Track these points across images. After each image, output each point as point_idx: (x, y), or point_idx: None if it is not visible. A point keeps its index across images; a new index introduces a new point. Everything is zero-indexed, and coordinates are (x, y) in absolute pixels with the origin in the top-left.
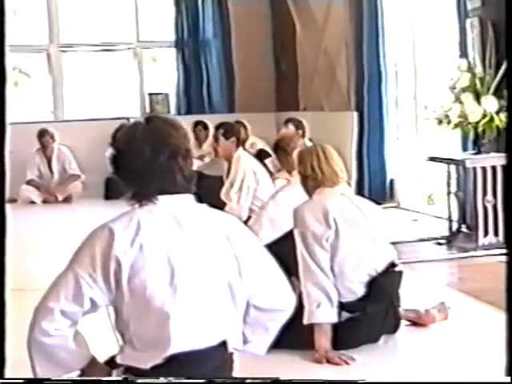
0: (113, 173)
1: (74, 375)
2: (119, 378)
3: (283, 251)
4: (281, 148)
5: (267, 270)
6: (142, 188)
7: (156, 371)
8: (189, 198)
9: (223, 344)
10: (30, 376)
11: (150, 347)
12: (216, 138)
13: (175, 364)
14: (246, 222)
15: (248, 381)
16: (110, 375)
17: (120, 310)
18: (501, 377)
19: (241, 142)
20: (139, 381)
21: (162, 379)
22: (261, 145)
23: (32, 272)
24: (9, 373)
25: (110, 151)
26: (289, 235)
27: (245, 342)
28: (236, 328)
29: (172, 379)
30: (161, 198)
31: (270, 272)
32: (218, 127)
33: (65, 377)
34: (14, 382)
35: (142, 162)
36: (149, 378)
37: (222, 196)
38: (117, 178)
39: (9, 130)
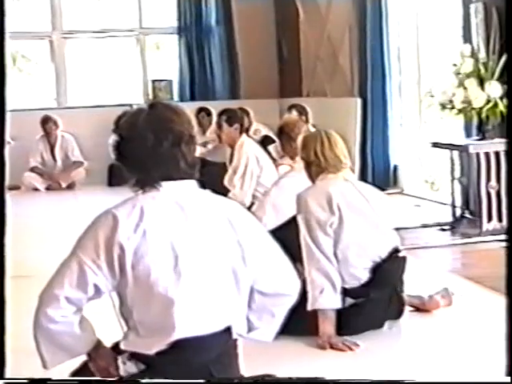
0: (116, 159)
1: (81, 359)
2: (122, 378)
3: (287, 237)
4: (284, 133)
5: (271, 255)
6: (145, 174)
7: (160, 357)
8: (192, 184)
9: (227, 330)
10: (30, 376)
11: (154, 333)
12: (219, 125)
13: (179, 349)
14: (249, 208)
15: (237, 381)
16: (116, 359)
17: (124, 296)
18: (501, 377)
19: (244, 129)
20: (143, 381)
21: (163, 380)
22: (264, 131)
23: (36, 259)
24: (9, 373)
25: (113, 138)
26: (292, 221)
27: (251, 328)
28: (240, 313)
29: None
30: (164, 184)
31: (274, 257)
32: (221, 114)
33: (64, 377)
34: (14, 382)
35: (146, 149)
36: (154, 363)
37: (226, 182)
38: (120, 165)
39: (12, 116)
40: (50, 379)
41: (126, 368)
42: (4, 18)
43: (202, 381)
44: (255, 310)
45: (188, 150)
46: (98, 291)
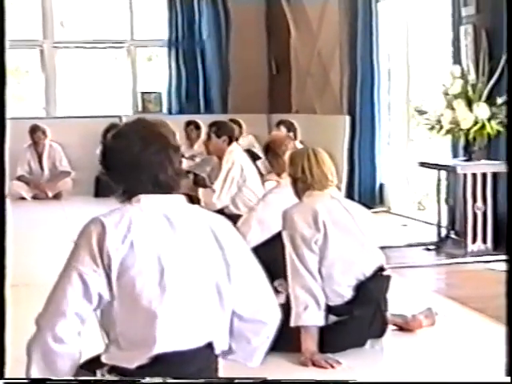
0: (102, 169)
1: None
2: (120, 379)
3: (271, 253)
4: (271, 150)
5: (254, 279)
6: (133, 183)
7: (141, 371)
8: (180, 199)
9: (209, 346)
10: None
11: (135, 346)
12: (208, 136)
13: (160, 364)
14: (221, 212)
15: (236, 381)
16: (95, 373)
17: (107, 307)
18: (501, 377)
19: (233, 141)
20: (143, 381)
21: (159, 379)
22: (252, 138)
23: (21, 267)
24: (9, 373)
25: (100, 149)
26: (277, 237)
27: (231, 351)
28: (223, 330)
29: (169, 379)
30: (152, 196)
31: (257, 281)
32: (211, 125)
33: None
34: (14, 381)
35: (132, 155)
36: (134, 377)
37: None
38: (106, 176)
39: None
40: (49, 379)
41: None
42: (4, 25)
43: (201, 381)
44: (233, 336)
45: (175, 156)
46: (100, 300)
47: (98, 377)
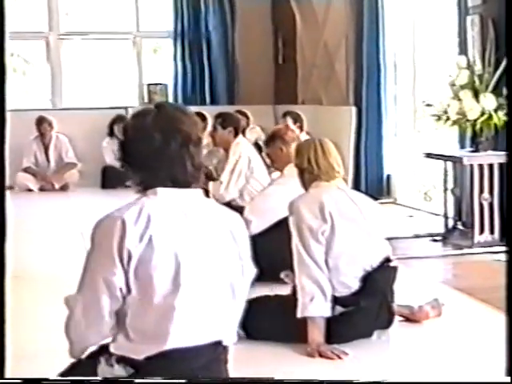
0: (120, 159)
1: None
2: (120, 379)
3: (273, 243)
4: (278, 137)
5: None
6: (151, 176)
7: (149, 362)
8: (198, 193)
9: (218, 342)
10: (30, 376)
11: (146, 340)
12: (214, 127)
13: (169, 356)
14: (228, 205)
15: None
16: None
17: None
18: (501, 377)
19: (240, 132)
20: (137, 381)
21: (159, 379)
22: (259, 130)
23: (27, 259)
24: (9, 373)
25: (107, 141)
26: (279, 227)
27: None
28: (233, 326)
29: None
30: (170, 191)
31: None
32: (217, 117)
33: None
34: (14, 382)
35: (153, 149)
36: (142, 368)
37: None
38: (125, 165)
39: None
40: (47, 379)
41: (115, 371)
42: (4, 18)
43: (201, 380)
44: None
45: (196, 151)
46: (123, 295)
47: (103, 365)
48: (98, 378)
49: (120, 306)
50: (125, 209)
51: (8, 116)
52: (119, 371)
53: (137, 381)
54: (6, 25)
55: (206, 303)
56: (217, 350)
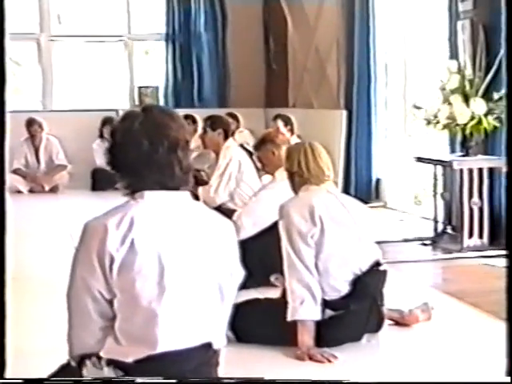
0: (108, 164)
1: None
2: (120, 379)
3: (264, 247)
4: (268, 141)
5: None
6: (139, 180)
7: (138, 364)
8: (185, 196)
9: (208, 344)
10: (30, 376)
11: (134, 343)
12: (204, 130)
13: (158, 359)
14: (218, 209)
15: (225, 381)
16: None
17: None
18: (501, 377)
19: (229, 135)
20: (140, 380)
21: (159, 379)
22: (247, 134)
23: (17, 261)
24: (9, 373)
25: (97, 143)
26: (270, 231)
27: None
28: (221, 329)
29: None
30: (157, 193)
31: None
32: (206, 119)
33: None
34: (14, 382)
35: (140, 155)
36: (131, 371)
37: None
38: (112, 170)
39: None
40: (48, 379)
41: (105, 373)
42: (4, 21)
43: (201, 379)
44: None
45: (184, 155)
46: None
47: (90, 367)
48: (99, 378)
49: (107, 307)
50: (110, 213)
51: (8, 118)
52: (109, 373)
53: (139, 380)
54: (6, 27)
55: (193, 306)
56: (207, 352)
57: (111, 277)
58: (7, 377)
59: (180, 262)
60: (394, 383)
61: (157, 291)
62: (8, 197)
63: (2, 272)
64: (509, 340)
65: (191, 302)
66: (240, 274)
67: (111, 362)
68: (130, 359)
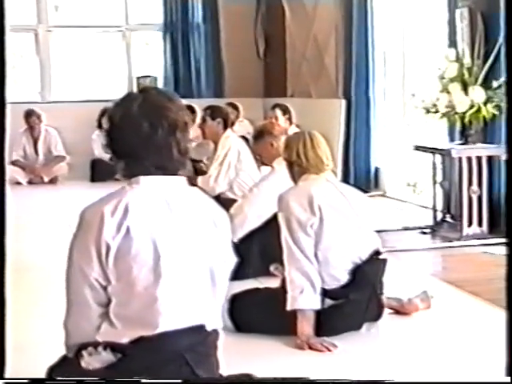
0: (106, 146)
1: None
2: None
3: (266, 237)
4: (266, 133)
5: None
6: (136, 163)
7: (134, 344)
8: (181, 180)
9: (200, 326)
10: (30, 376)
11: (131, 327)
12: (203, 119)
13: (153, 339)
14: (217, 198)
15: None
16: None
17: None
18: (501, 377)
19: (229, 124)
20: (144, 381)
21: (164, 380)
22: (247, 123)
23: (16, 253)
24: (9, 373)
25: (96, 133)
26: (271, 222)
27: None
28: (214, 313)
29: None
30: (153, 178)
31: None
32: (206, 109)
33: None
34: (13, 382)
35: (139, 137)
36: (127, 351)
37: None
38: (110, 152)
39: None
40: (48, 379)
41: (103, 358)
42: (4, 14)
43: (200, 379)
44: None
45: (182, 137)
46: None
47: (87, 356)
48: (102, 378)
49: (103, 294)
50: (105, 200)
51: (8, 110)
52: (107, 357)
53: (143, 381)
54: (6, 20)
55: (186, 290)
56: (200, 333)
57: (107, 264)
58: (7, 376)
59: (175, 247)
60: (393, 383)
61: (153, 277)
62: (8, 188)
63: (2, 263)
64: (509, 328)
65: (184, 286)
66: (232, 260)
67: (107, 346)
68: (125, 340)
